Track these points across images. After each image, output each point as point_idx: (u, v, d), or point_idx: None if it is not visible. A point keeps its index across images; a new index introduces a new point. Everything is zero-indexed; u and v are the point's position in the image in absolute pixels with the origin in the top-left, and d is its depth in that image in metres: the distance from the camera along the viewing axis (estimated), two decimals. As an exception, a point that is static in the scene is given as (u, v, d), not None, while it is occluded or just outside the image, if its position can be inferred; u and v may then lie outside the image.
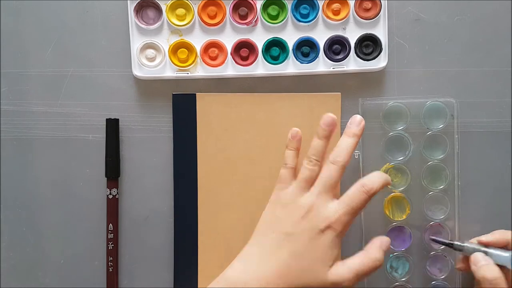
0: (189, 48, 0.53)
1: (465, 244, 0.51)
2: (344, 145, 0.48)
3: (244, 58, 0.53)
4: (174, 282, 0.54)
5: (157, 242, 0.55)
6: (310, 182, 0.48)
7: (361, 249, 0.54)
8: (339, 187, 0.50)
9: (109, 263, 0.53)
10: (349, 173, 0.54)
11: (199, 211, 0.54)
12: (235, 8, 0.53)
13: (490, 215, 0.55)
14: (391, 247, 0.54)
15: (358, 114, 0.54)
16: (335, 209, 0.47)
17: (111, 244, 0.53)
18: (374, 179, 0.48)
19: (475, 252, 0.50)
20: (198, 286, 0.53)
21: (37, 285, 0.55)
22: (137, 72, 0.53)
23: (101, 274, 0.54)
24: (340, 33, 0.53)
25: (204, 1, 0.52)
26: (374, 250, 0.48)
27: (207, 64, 0.53)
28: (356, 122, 0.49)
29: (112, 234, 0.53)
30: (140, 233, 0.55)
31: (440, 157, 0.54)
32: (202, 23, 0.53)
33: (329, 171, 0.48)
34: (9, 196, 0.54)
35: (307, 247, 0.46)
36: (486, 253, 0.50)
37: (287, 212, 0.47)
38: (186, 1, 0.52)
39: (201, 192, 0.54)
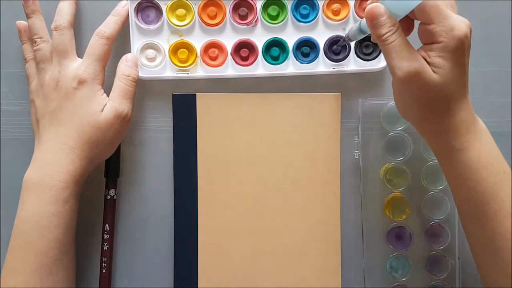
0: (189, 48, 0.53)
1: (348, 27, 0.51)
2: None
3: (244, 58, 0.53)
4: (174, 282, 0.54)
5: (157, 242, 0.55)
6: (46, 60, 0.50)
7: (361, 250, 0.54)
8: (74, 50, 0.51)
9: (103, 264, 0.53)
10: (349, 173, 0.54)
11: (199, 211, 0.54)
12: (235, 8, 0.53)
13: (490, 215, 0.55)
14: (391, 247, 0.54)
15: (359, 114, 0.54)
16: (78, 64, 0.49)
17: (106, 245, 0.53)
18: (108, 24, 0.51)
19: (357, 31, 0.47)
20: (198, 286, 0.53)
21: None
22: (138, 72, 0.53)
23: (98, 275, 0.54)
24: (340, 33, 0.53)
25: (204, 2, 0.52)
26: (122, 67, 0.51)
27: (207, 64, 0.53)
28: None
29: (108, 235, 0.53)
30: (140, 233, 0.55)
31: (440, 157, 0.54)
32: (202, 23, 0.53)
33: (56, 39, 0.49)
34: (9, 196, 0.54)
35: (74, 109, 0.48)
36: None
37: (43, 96, 0.49)
38: (186, 2, 0.52)
39: (201, 192, 0.54)
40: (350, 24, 0.53)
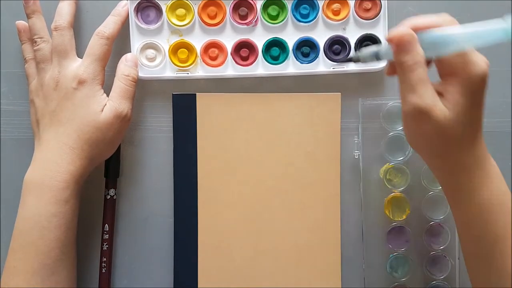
0: (189, 48, 0.53)
1: (361, 50, 0.45)
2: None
3: (244, 58, 0.53)
4: (174, 282, 0.54)
5: (157, 242, 0.55)
6: (46, 60, 0.50)
7: (361, 250, 0.54)
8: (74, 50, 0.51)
9: (103, 264, 0.53)
10: (349, 173, 0.54)
11: (199, 211, 0.54)
12: (235, 8, 0.53)
13: (490, 215, 0.55)
14: (391, 247, 0.54)
15: (359, 114, 0.54)
16: (78, 64, 0.49)
17: (105, 245, 0.53)
18: (108, 24, 0.51)
19: (372, 55, 0.44)
20: (198, 286, 0.54)
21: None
22: (138, 72, 0.53)
23: (98, 275, 0.54)
24: (340, 33, 0.53)
25: (204, 1, 0.52)
26: (122, 67, 0.51)
27: (207, 64, 0.53)
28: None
29: (108, 235, 0.53)
30: (140, 233, 0.55)
31: (440, 157, 0.54)
32: (202, 23, 0.53)
33: (56, 39, 0.49)
34: (9, 196, 0.54)
35: (73, 109, 0.48)
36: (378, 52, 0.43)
37: (43, 96, 0.49)
38: (186, 1, 0.52)
39: (201, 192, 0.54)
40: (350, 24, 0.53)
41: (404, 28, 0.39)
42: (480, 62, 0.39)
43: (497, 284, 0.42)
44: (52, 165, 0.47)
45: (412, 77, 0.39)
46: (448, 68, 0.40)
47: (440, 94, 0.40)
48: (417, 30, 0.40)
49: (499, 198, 0.42)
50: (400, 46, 0.39)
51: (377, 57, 0.43)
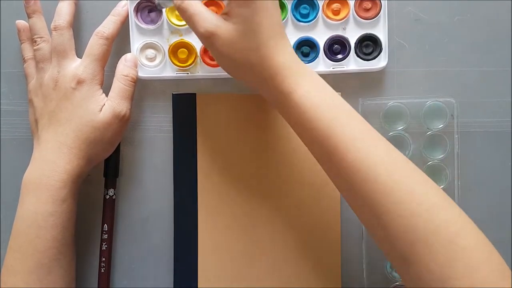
0: (189, 48, 0.53)
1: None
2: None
3: (244, 58, 0.53)
4: (174, 282, 0.54)
5: (157, 242, 0.55)
6: (46, 60, 0.50)
7: (361, 250, 0.54)
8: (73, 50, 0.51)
9: (102, 264, 0.53)
10: (349, 173, 0.54)
11: (199, 211, 0.54)
12: (235, 8, 0.53)
13: (490, 215, 0.55)
14: (391, 247, 0.54)
15: (359, 114, 0.54)
16: (77, 64, 0.49)
17: (104, 244, 0.53)
18: (107, 24, 0.51)
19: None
20: (198, 286, 0.53)
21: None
22: (137, 72, 0.53)
23: (97, 274, 0.54)
24: (340, 33, 0.53)
25: (204, 1, 0.52)
26: (121, 67, 0.51)
27: (207, 64, 0.53)
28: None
29: (106, 235, 0.53)
30: (140, 233, 0.55)
31: (440, 157, 0.53)
32: (202, 23, 0.53)
33: (55, 39, 0.50)
34: (9, 196, 0.54)
35: (72, 108, 0.48)
36: None
37: (42, 96, 0.50)
38: (186, 1, 0.52)
39: (201, 192, 0.54)
40: (350, 24, 0.53)
41: None
42: None
43: (342, 176, 0.43)
44: (50, 165, 0.47)
45: (188, 14, 0.44)
46: None
47: (226, 14, 0.44)
48: None
49: (319, 96, 0.43)
50: None
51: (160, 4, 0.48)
